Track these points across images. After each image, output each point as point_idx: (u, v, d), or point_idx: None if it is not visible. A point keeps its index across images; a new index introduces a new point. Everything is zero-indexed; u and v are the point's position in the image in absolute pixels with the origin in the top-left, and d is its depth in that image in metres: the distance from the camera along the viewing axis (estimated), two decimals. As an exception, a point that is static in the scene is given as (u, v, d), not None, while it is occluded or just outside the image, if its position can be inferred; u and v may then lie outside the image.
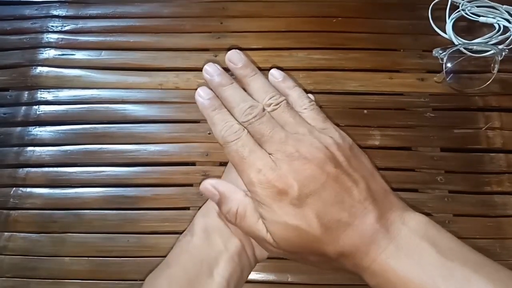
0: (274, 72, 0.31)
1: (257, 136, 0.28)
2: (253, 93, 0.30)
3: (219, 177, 0.33)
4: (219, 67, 0.30)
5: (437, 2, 0.55)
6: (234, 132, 0.28)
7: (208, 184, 0.30)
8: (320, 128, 0.28)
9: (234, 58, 0.30)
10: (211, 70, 0.30)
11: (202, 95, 0.30)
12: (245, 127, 0.28)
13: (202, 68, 0.30)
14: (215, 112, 0.29)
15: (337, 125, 0.30)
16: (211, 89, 0.30)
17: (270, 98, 0.29)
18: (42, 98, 0.50)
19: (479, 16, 0.54)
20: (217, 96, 0.29)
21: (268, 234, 0.27)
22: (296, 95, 0.30)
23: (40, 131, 0.49)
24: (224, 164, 0.33)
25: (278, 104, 0.29)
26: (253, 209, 0.28)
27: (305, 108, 0.29)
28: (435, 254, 0.24)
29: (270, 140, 0.27)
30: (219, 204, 0.30)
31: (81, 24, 0.55)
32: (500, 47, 0.50)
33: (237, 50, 0.30)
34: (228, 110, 0.29)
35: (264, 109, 0.28)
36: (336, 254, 0.26)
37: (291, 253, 0.27)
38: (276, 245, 0.27)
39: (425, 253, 0.24)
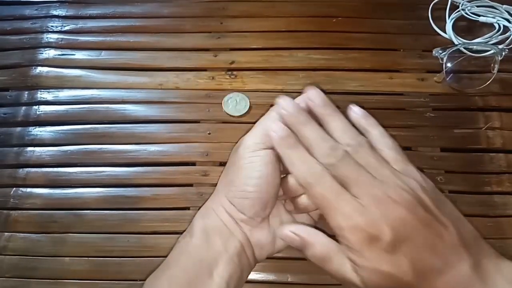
0: (355, 108, 0.30)
1: (341, 178, 0.27)
2: (333, 132, 0.28)
3: (218, 176, 0.33)
4: (293, 101, 0.29)
5: (437, 2, 0.55)
6: (317, 173, 0.27)
7: (287, 231, 0.29)
8: (402, 170, 0.28)
9: (314, 96, 0.29)
10: (286, 105, 0.29)
11: (277, 130, 0.28)
12: (327, 168, 0.27)
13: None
14: (292, 150, 0.28)
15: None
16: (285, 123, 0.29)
17: (351, 138, 0.28)
18: (42, 98, 0.50)
19: (479, 16, 0.54)
20: (293, 132, 0.28)
21: (357, 278, 0.26)
22: (378, 133, 0.29)
23: (40, 131, 0.49)
24: (223, 164, 0.33)
25: (359, 145, 0.28)
26: (338, 251, 0.27)
27: (387, 148, 0.28)
28: None
29: (356, 183, 0.26)
30: (301, 248, 0.29)
31: (81, 24, 0.55)
32: (500, 47, 0.50)
33: (316, 88, 0.30)
34: (306, 148, 0.28)
35: (346, 151, 0.27)
36: None
37: None
38: None
39: None
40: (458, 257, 0.25)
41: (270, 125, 0.29)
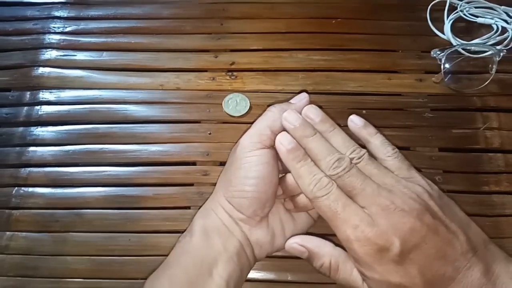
0: (354, 119, 0.30)
1: (347, 189, 0.27)
2: (335, 147, 0.29)
3: (218, 176, 0.33)
4: (299, 115, 0.29)
5: (435, 3, 0.55)
6: (324, 186, 0.27)
7: (294, 243, 0.29)
8: (406, 177, 0.28)
9: (312, 113, 0.30)
10: (292, 119, 0.29)
11: (284, 144, 0.28)
12: (333, 180, 0.27)
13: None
14: (300, 164, 0.28)
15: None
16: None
17: (352, 152, 0.28)
18: (44, 99, 0.51)
19: (477, 17, 0.54)
20: (300, 145, 0.29)
21: (365, 286, 0.26)
22: (378, 142, 0.29)
23: (42, 131, 0.49)
24: (223, 163, 0.34)
25: (360, 158, 0.28)
26: (345, 261, 0.27)
27: (389, 156, 0.29)
28: None
29: (362, 193, 0.26)
30: (309, 260, 0.29)
31: (82, 25, 0.55)
32: (498, 47, 0.50)
33: (313, 105, 0.30)
34: (313, 161, 0.28)
35: (351, 162, 0.27)
36: None
37: None
38: None
39: None
40: (468, 264, 0.25)
41: (278, 138, 0.29)
